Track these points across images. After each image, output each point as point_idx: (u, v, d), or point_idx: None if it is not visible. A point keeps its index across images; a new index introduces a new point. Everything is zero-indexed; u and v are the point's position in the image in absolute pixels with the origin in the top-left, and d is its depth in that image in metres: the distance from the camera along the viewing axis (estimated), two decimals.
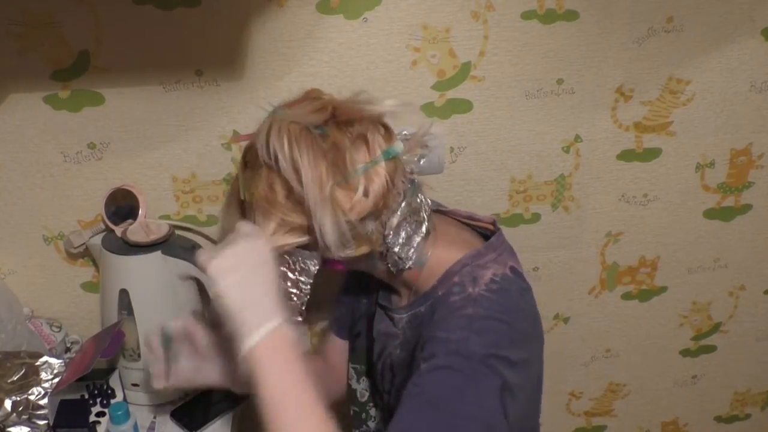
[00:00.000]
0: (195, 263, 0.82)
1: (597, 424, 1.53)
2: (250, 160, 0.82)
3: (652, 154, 1.23)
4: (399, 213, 0.80)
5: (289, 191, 0.77)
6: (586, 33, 1.10)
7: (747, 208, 1.31)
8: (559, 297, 1.35)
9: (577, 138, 1.19)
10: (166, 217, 1.14)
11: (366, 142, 0.78)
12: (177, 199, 1.13)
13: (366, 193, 0.77)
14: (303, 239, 0.79)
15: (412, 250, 0.82)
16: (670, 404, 1.53)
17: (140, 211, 1.10)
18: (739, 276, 1.38)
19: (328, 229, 0.75)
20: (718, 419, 1.57)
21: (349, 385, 1.04)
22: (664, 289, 1.37)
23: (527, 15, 1.07)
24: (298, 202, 0.77)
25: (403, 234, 0.81)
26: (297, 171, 0.76)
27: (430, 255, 0.84)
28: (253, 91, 1.06)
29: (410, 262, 0.82)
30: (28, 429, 0.94)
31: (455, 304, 0.77)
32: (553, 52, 1.10)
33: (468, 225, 0.93)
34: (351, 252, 0.80)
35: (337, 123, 0.78)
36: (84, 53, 1.01)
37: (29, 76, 1.01)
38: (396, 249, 0.81)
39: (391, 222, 0.80)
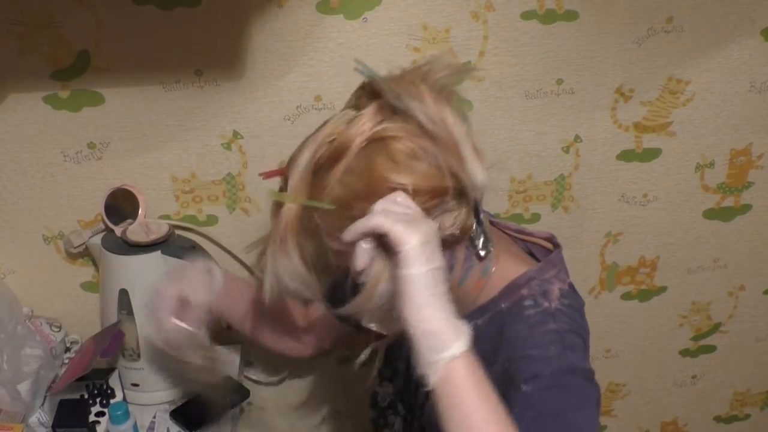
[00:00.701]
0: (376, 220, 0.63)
1: None
2: (332, 156, 0.69)
3: (651, 154, 1.23)
4: (481, 243, 0.76)
5: (417, 147, 0.67)
6: (586, 33, 1.10)
7: (747, 208, 1.31)
8: None
9: (577, 138, 1.19)
10: (166, 217, 1.14)
11: (448, 102, 0.72)
12: (177, 199, 1.13)
13: (476, 149, 0.72)
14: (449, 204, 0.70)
15: (488, 233, 0.76)
16: (669, 404, 1.53)
17: (140, 211, 1.10)
18: (739, 276, 1.38)
19: (476, 167, 0.68)
20: (718, 419, 1.57)
21: (372, 388, 1.02)
22: (663, 289, 1.37)
23: (527, 15, 1.07)
24: (426, 160, 0.68)
25: (482, 211, 0.76)
26: (442, 118, 0.68)
27: (496, 266, 0.79)
28: (253, 91, 1.07)
29: (491, 247, 0.76)
30: None
31: (533, 318, 0.74)
32: (553, 52, 1.10)
33: (519, 239, 0.89)
34: (456, 221, 0.71)
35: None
36: (84, 53, 1.01)
37: (29, 76, 1.01)
38: (486, 224, 0.75)
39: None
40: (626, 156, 1.22)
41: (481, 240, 0.75)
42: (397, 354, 0.93)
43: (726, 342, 1.46)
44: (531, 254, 0.86)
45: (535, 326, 0.73)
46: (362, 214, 0.64)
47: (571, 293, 0.79)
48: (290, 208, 0.70)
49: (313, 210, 0.70)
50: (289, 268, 0.71)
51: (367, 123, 0.68)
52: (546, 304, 0.75)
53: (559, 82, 1.13)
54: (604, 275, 1.34)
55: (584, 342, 0.75)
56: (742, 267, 1.37)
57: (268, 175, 0.74)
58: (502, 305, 0.78)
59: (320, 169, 0.69)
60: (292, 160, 0.71)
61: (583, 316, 0.79)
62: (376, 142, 0.67)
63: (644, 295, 1.38)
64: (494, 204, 1.22)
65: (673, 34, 1.12)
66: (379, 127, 0.67)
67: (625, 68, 1.14)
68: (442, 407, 0.61)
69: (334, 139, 0.69)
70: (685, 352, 1.46)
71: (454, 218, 0.71)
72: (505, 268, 0.79)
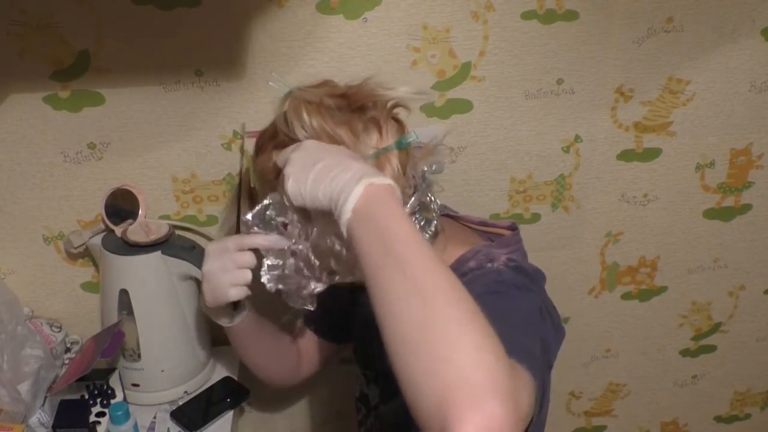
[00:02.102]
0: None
1: (597, 424, 1.53)
2: (262, 145, 0.80)
3: (652, 154, 1.23)
4: (408, 207, 0.78)
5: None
6: (586, 33, 1.10)
7: (747, 208, 1.31)
8: (559, 297, 1.33)
9: (577, 138, 1.19)
10: (166, 217, 1.14)
11: (378, 127, 0.75)
12: (177, 199, 1.13)
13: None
14: None
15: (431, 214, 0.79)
16: (670, 404, 1.53)
17: (140, 211, 1.10)
18: (739, 276, 1.38)
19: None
20: (718, 419, 1.57)
21: (359, 389, 1.04)
22: (664, 289, 1.37)
23: (527, 15, 1.07)
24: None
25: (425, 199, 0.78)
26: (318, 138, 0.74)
27: (445, 254, 0.82)
28: (253, 91, 1.06)
29: (430, 228, 0.79)
30: None
31: (476, 272, 0.77)
32: (553, 52, 1.10)
33: (480, 231, 0.92)
34: None
35: (350, 107, 0.76)
36: (84, 53, 1.01)
37: (29, 77, 1.01)
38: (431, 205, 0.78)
39: None
40: (626, 156, 1.22)
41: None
42: (377, 356, 0.95)
43: (726, 342, 1.46)
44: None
45: (478, 276, 0.76)
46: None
47: (521, 266, 0.80)
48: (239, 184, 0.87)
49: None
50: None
51: (274, 130, 0.78)
52: (489, 264, 0.78)
53: (559, 82, 1.13)
54: (604, 275, 1.34)
55: (531, 280, 0.78)
56: (742, 267, 1.37)
57: (251, 136, 0.86)
58: None
59: (257, 152, 0.81)
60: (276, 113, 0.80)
61: (534, 279, 0.81)
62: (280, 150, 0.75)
63: (644, 295, 1.38)
64: (494, 204, 1.22)
65: (673, 34, 1.12)
66: (277, 139, 0.76)
67: (625, 68, 1.14)
68: (359, 247, 0.56)
69: (264, 132, 0.81)
70: (685, 352, 1.46)
71: None
72: (454, 247, 0.83)
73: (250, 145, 0.87)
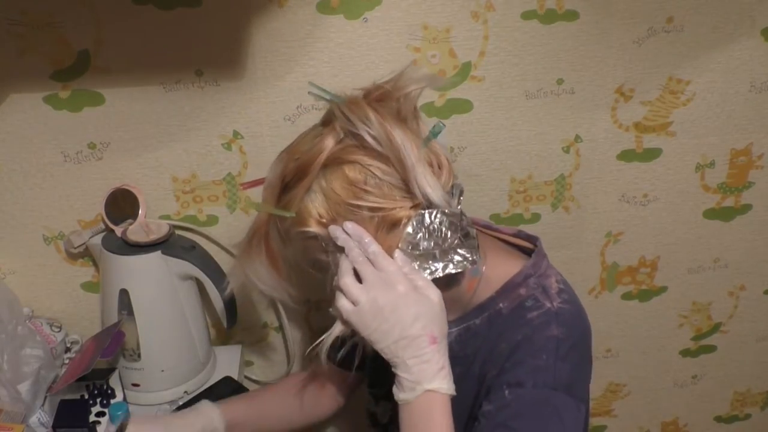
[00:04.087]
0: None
1: (597, 424, 1.53)
2: (296, 175, 0.73)
3: (652, 154, 1.23)
4: (462, 195, 0.74)
5: (371, 172, 0.69)
6: (586, 33, 1.10)
7: (747, 208, 1.31)
8: None
9: (577, 138, 1.19)
10: (166, 217, 1.14)
11: (417, 117, 0.73)
12: (177, 199, 1.13)
13: (439, 165, 0.71)
14: (407, 229, 0.70)
15: (473, 241, 0.74)
16: (670, 404, 1.53)
17: (140, 211, 1.10)
18: (739, 276, 1.38)
19: (432, 185, 0.68)
20: (718, 419, 1.57)
21: (367, 409, 1.02)
22: (664, 289, 1.37)
23: (527, 15, 1.07)
24: (383, 183, 0.69)
25: (465, 221, 0.73)
26: (389, 137, 0.68)
27: (486, 265, 0.79)
28: (253, 91, 1.07)
29: (476, 255, 0.73)
30: None
31: (535, 321, 0.74)
32: (553, 52, 1.10)
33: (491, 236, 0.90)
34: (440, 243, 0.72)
35: (392, 100, 0.73)
36: (84, 53, 1.01)
37: (29, 76, 1.01)
38: (471, 230, 0.73)
39: (456, 203, 0.72)
40: (626, 156, 1.22)
41: (469, 246, 0.74)
42: (383, 373, 0.94)
43: (726, 342, 1.46)
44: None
45: (536, 330, 0.73)
46: (319, 232, 0.71)
47: (566, 281, 0.81)
48: (260, 215, 0.77)
49: (280, 219, 0.75)
50: (254, 269, 0.77)
51: (325, 145, 0.71)
52: (548, 304, 0.75)
53: (560, 82, 1.13)
54: (604, 275, 1.34)
55: (581, 348, 0.76)
56: (742, 267, 1.37)
57: (247, 186, 0.80)
58: (501, 305, 0.78)
59: (287, 185, 0.74)
60: (269, 172, 0.75)
61: (582, 309, 0.80)
62: (333, 165, 0.71)
63: (644, 295, 1.38)
64: (494, 204, 1.22)
65: (673, 33, 1.12)
66: (335, 149, 0.70)
67: (625, 68, 1.14)
68: (405, 425, 0.69)
69: (298, 158, 0.73)
70: (685, 352, 1.46)
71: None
72: (497, 266, 0.80)
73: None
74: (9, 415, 0.94)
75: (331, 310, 0.72)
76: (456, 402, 0.79)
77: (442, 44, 1.07)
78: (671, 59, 1.14)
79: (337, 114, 0.71)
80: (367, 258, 0.69)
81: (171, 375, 1.08)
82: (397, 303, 0.68)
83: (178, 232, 1.12)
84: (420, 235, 0.70)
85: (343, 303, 0.70)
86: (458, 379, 0.80)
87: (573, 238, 1.28)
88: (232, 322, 1.09)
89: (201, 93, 1.06)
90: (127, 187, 1.09)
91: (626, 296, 1.37)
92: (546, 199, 1.23)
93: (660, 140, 1.22)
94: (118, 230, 1.07)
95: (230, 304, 1.07)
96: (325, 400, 1.05)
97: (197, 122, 1.08)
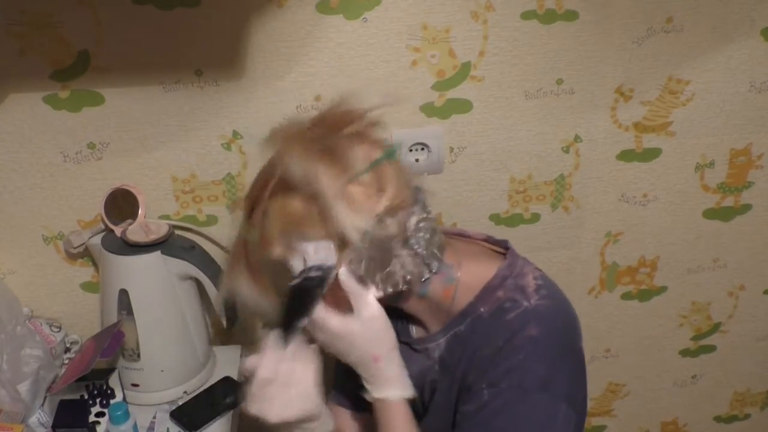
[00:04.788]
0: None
1: (597, 424, 1.53)
2: (252, 200, 0.78)
3: (651, 154, 1.23)
4: (416, 214, 0.76)
5: (306, 203, 0.73)
6: (586, 33, 1.10)
7: (746, 208, 1.31)
8: None
9: (577, 138, 1.19)
10: (166, 217, 1.14)
11: (363, 139, 0.76)
12: (177, 199, 1.13)
13: (380, 189, 0.74)
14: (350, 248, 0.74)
15: (434, 255, 0.78)
16: (669, 404, 1.53)
17: (140, 211, 1.10)
18: (739, 276, 1.38)
19: (346, 220, 0.71)
20: (718, 419, 1.57)
21: None
22: (663, 289, 1.37)
23: (527, 15, 1.07)
24: (318, 215, 0.74)
25: (422, 237, 0.76)
26: (306, 174, 0.72)
27: (461, 272, 0.81)
28: (253, 91, 1.07)
29: (435, 268, 0.78)
30: None
31: (515, 323, 0.75)
32: (553, 52, 1.10)
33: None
34: (377, 266, 0.75)
35: (331, 131, 0.76)
36: (84, 53, 1.01)
37: (29, 76, 1.01)
38: (420, 251, 0.76)
39: (409, 223, 0.76)
40: (626, 156, 1.22)
41: (418, 266, 0.77)
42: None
43: (726, 342, 1.46)
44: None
45: (515, 333, 0.74)
46: (278, 253, 0.75)
47: (545, 276, 0.81)
48: (238, 234, 0.81)
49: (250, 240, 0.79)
50: (237, 283, 0.81)
51: (270, 175, 0.75)
52: (525, 303, 0.76)
53: (559, 82, 1.13)
54: (604, 275, 1.34)
55: (562, 344, 0.76)
56: (742, 267, 1.37)
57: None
58: (482, 309, 0.79)
59: (251, 207, 0.78)
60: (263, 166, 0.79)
61: (564, 303, 0.80)
62: (279, 194, 0.75)
63: (644, 295, 1.38)
64: (494, 204, 1.22)
65: (673, 34, 1.12)
66: (278, 181, 0.74)
67: (625, 68, 1.14)
68: (377, 418, 0.78)
69: (256, 182, 0.78)
70: (685, 352, 1.46)
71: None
72: (474, 271, 0.81)
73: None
74: (8, 415, 0.94)
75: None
76: (445, 408, 0.82)
77: (441, 44, 1.07)
78: (671, 59, 1.14)
79: (266, 149, 0.76)
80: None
81: (171, 375, 1.08)
82: (347, 335, 0.76)
83: (177, 232, 1.12)
84: (363, 253, 0.74)
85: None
86: (449, 387, 0.82)
87: (573, 238, 1.28)
88: (232, 322, 1.09)
89: (200, 93, 1.06)
90: (126, 187, 1.09)
91: (626, 296, 1.37)
92: (546, 199, 1.23)
93: (660, 140, 1.22)
94: (118, 230, 1.07)
95: (230, 304, 1.07)
96: None
97: (197, 122, 1.08)
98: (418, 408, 0.89)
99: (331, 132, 0.76)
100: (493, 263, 0.82)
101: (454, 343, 0.82)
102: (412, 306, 0.83)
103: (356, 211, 0.72)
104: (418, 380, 0.85)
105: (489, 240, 0.89)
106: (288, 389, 0.75)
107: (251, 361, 0.76)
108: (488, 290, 0.79)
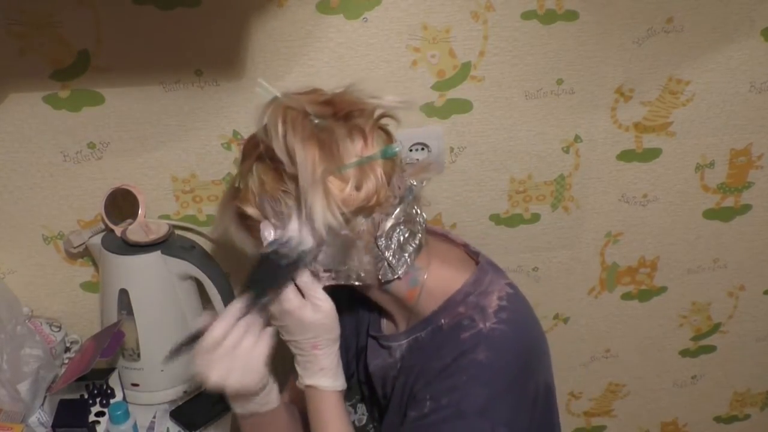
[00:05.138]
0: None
1: (597, 424, 1.53)
2: (246, 151, 0.81)
3: (651, 154, 1.23)
4: (393, 217, 0.77)
5: (280, 177, 0.75)
6: (586, 33, 1.10)
7: (746, 208, 1.31)
8: (559, 297, 1.35)
9: (577, 138, 1.19)
10: (166, 216, 1.14)
11: (363, 135, 0.75)
12: (177, 199, 1.13)
13: (358, 187, 0.74)
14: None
15: (404, 259, 0.79)
16: (669, 404, 1.53)
17: (140, 211, 1.10)
18: (739, 276, 1.38)
19: (317, 211, 0.71)
20: (718, 419, 1.57)
21: None
22: (663, 289, 1.37)
23: (527, 15, 1.07)
24: (293, 195, 0.75)
25: (395, 240, 0.78)
26: (289, 152, 0.72)
27: (428, 275, 0.81)
28: (253, 91, 1.06)
29: (400, 271, 0.79)
30: None
31: (466, 343, 0.75)
32: (553, 53, 1.10)
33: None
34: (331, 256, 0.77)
35: (335, 116, 0.76)
36: (84, 53, 1.01)
37: (29, 76, 1.01)
38: (387, 254, 0.78)
39: (384, 225, 0.77)
40: (626, 156, 1.22)
41: (381, 266, 0.79)
42: (361, 380, 0.97)
43: (726, 342, 1.46)
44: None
45: (466, 353, 0.75)
46: (251, 212, 0.78)
47: (512, 294, 0.81)
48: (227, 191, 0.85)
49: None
50: (226, 222, 0.83)
51: (258, 140, 0.76)
52: (480, 324, 0.76)
53: (559, 82, 1.13)
54: (604, 275, 1.34)
55: (509, 372, 0.76)
56: (742, 267, 1.37)
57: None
58: (443, 321, 0.80)
59: (243, 157, 0.81)
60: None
61: (523, 329, 0.80)
62: (263, 161, 0.76)
63: (644, 295, 1.38)
64: (494, 204, 1.22)
65: (673, 34, 1.12)
66: (264, 148, 0.75)
67: (625, 68, 1.14)
68: (308, 406, 0.80)
69: (248, 139, 0.81)
70: (685, 352, 1.46)
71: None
72: (441, 278, 0.82)
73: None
74: (8, 414, 0.94)
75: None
76: (396, 410, 0.84)
77: (441, 44, 1.07)
78: (671, 59, 1.14)
79: (258, 118, 0.76)
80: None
81: (171, 375, 1.08)
82: (295, 315, 0.77)
83: (177, 232, 1.12)
84: (323, 245, 0.76)
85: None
86: (401, 388, 0.83)
87: (573, 238, 1.28)
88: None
89: (201, 93, 1.06)
90: (126, 187, 1.09)
91: (626, 296, 1.37)
92: (546, 199, 1.23)
93: (660, 140, 1.22)
94: (118, 230, 1.07)
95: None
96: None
97: (197, 122, 1.08)
98: (381, 402, 0.92)
99: (334, 117, 0.75)
100: (462, 274, 0.82)
101: (414, 348, 0.83)
102: (377, 297, 0.85)
103: (327, 204, 0.72)
104: (380, 374, 0.89)
105: (466, 248, 0.89)
106: (233, 359, 0.75)
107: (207, 318, 0.77)
108: (451, 303, 0.80)
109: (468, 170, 1.18)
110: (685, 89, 1.17)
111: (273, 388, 0.82)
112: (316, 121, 0.74)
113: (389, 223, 0.77)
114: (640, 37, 1.11)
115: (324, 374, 0.79)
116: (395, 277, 0.79)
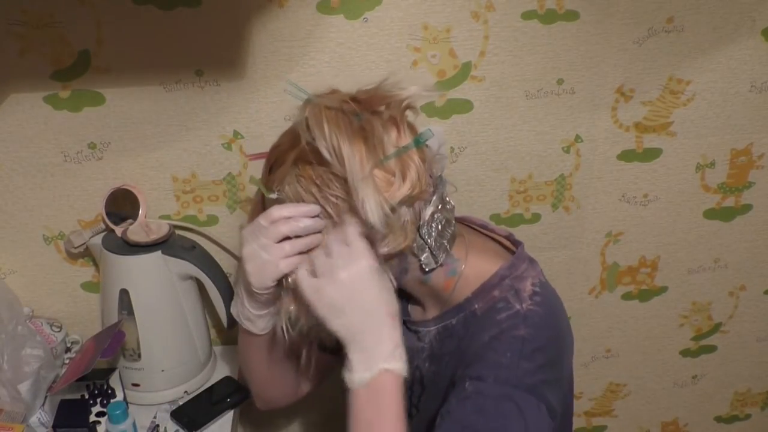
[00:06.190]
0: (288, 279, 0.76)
1: (597, 424, 1.53)
2: (278, 159, 0.79)
3: (652, 154, 1.23)
4: (432, 204, 0.77)
5: (321, 178, 0.75)
6: (586, 33, 1.10)
7: (747, 208, 1.31)
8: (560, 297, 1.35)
9: (578, 138, 1.19)
10: (166, 217, 1.14)
11: (396, 125, 0.76)
12: (177, 199, 1.13)
13: (403, 177, 0.74)
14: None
15: (444, 246, 0.79)
16: (670, 404, 1.53)
17: (140, 211, 1.10)
18: (739, 276, 1.38)
19: (371, 207, 0.70)
20: (718, 419, 1.57)
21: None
22: (664, 289, 1.37)
23: (527, 15, 1.07)
24: (337, 187, 0.74)
25: (434, 228, 0.78)
26: (336, 151, 0.72)
27: (465, 266, 0.81)
28: (254, 91, 1.07)
29: (441, 259, 0.79)
30: None
31: (504, 322, 0.75)
32: (553, 52, 1.10)
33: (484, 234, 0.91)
34: (388, 246, 0.75)
35: (367, 110, 0.76)
36: (84, 53, 1.01)
37: (30, 76, 1.01)
38: (430, 241, 0.78)
39: (424, 213, 0.77)
40: (627, 156, 1.22)
41: (425, 255, 0.78)
42: None
43: (726, 342, 1.46)
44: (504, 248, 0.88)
45: (504, 331, 0.75)
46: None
47: (545, 282, 0.81)
48: (258, 191, 0.81)
49: (267, 198, 0.79)
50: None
51: (295, 142, 0.76)
52: (518, 306, 0.76)
53: (560, 82, 1.13)
54: (604, 275, 1.34)
55: (556, 347, 0.76)
56: (742, 267, 1.37)
57: (253, 158, 0.85)
58: (476, 306, 0.80)
59: (271, 168, 0.79)
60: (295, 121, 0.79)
61: (557, 314, 0.80)
62: (302, 161, 0.75)
63: (645, 295, 1.38)
64: (494, 204, 1.22)
65: (673, 34, 1.12)
66: (303, 148, 0.74)
67: (625, 68, 1.14)
68: (356, 411, 0.69)
69: (278, 146, 0.79)
70: (685, 352, 1.46)
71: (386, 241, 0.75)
72: (477, 267, 0.82)
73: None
74: (9, 414, 0.95)
75: (289, 281, 0.76)
76: (429, 400, 0.82)
77: (442, 44, 1.07)
78: (671, 59, 1.14)
79: (299, 117, 0.76)
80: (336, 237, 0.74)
81: (171, 375, 1.08)
82: (363, 277, 0.72)
83: (178, 232, 1.12)
84: (377, 236, 0.75)
85: (303, 273, 0.74)
86: (432, 377, 0.83)
87: (573, 238, 1.28)
88: (232, 322, 1.09)
89: (201, 93, 1.06)
90: (127, 187, 1.09)
91: (626, 296, 1.37)
92: (546, 199, 1.23)
93: (660, 140, 1.22)
94: (119, 230, 1.07)
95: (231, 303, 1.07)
96: (303, 378, 1.01)
97: (197, 122, 1.08)
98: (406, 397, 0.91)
99: (367, 110, 0.75)
100: (497, 261, 0.82)
101: (443, 335, 0.83)
102: (413, 287, 0.84)
103: (380, 198, 0.72)
104: (407, 355, 0.85)
105: (509, 238, 0.89)
106: (271, 251, 0.74)
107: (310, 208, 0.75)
108: (485, 288, 0.80)
109: (468, 170, 1.18)
110: (685, 89, 1.17)
111: (270, 321, 0.83)
112: (353, 117, 0.74)
113: (429, 211, 0.78)
114: (640, 37, 1.11)
115: (400, 353, 0.72)
116: (438, 265, 0.79)
